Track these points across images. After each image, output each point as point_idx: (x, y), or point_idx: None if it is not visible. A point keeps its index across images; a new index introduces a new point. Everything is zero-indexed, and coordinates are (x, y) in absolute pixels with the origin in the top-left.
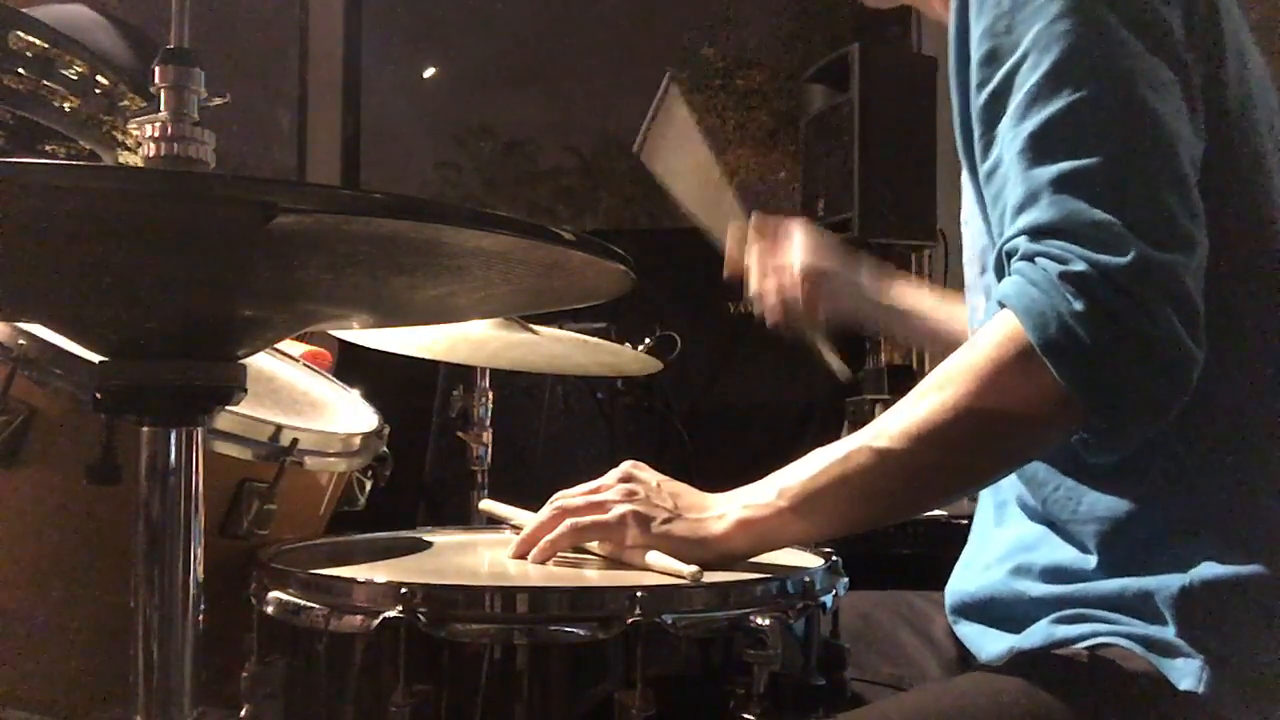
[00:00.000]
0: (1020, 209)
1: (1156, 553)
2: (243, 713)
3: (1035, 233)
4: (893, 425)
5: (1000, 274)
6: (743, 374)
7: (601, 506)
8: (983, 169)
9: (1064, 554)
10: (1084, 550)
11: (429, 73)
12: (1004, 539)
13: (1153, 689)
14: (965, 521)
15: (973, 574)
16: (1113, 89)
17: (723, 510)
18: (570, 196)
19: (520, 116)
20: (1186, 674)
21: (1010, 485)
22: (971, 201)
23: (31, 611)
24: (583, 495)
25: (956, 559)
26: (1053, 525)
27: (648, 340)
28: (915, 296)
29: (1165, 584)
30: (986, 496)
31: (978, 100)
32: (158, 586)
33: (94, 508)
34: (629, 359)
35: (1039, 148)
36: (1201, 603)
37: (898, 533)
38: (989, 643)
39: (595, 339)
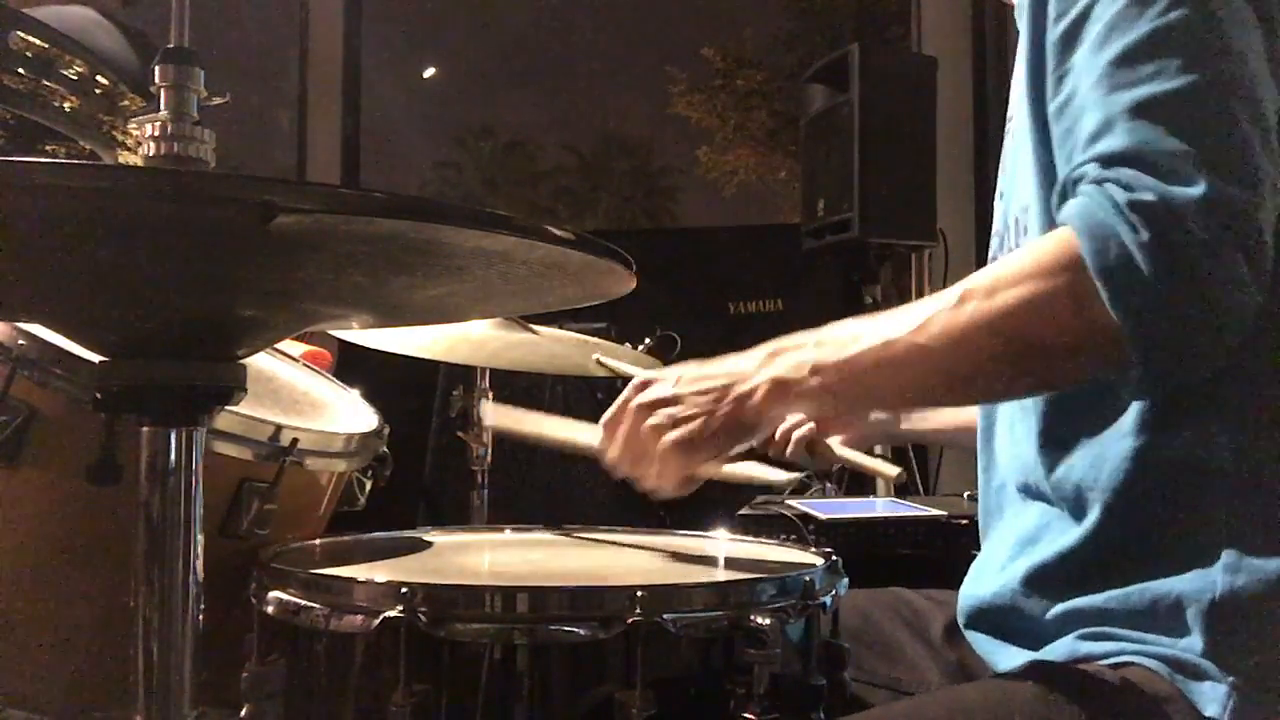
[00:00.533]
0: (1094, 137)
1: (1178, 542)
2: (243, 713)
3: (1106, 160)
4: (935, 324)
5: (1063, 203)
6: None
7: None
8: (1054, 104)
9: (1069, 539)
10: (1088, 529)
11: (429, 73)
12: (1009, 530)
13: (1175, 713)
14: (965, 521)
15: (987, 579)
16: (1198, 20)
17: (755, 383)
18: (570, 196)
19: (520, 116)
20: (1213, 699)
21: (1006, 465)
22: (1016, 171)
23: (31, 611)
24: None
25: (956, 559)
26: (1051, 503)
27: (648, 340)
28: (950, 412)
29: (1197, 593)
30: (984, 482)
31: (1054, 32)
32: (158, 586)
33: (94, 508)
34: (628, 359)
35: (1117, 75)
36: (1234, 617)
37: (898, 533)
38: (1005, 656)
39: (595, 339)
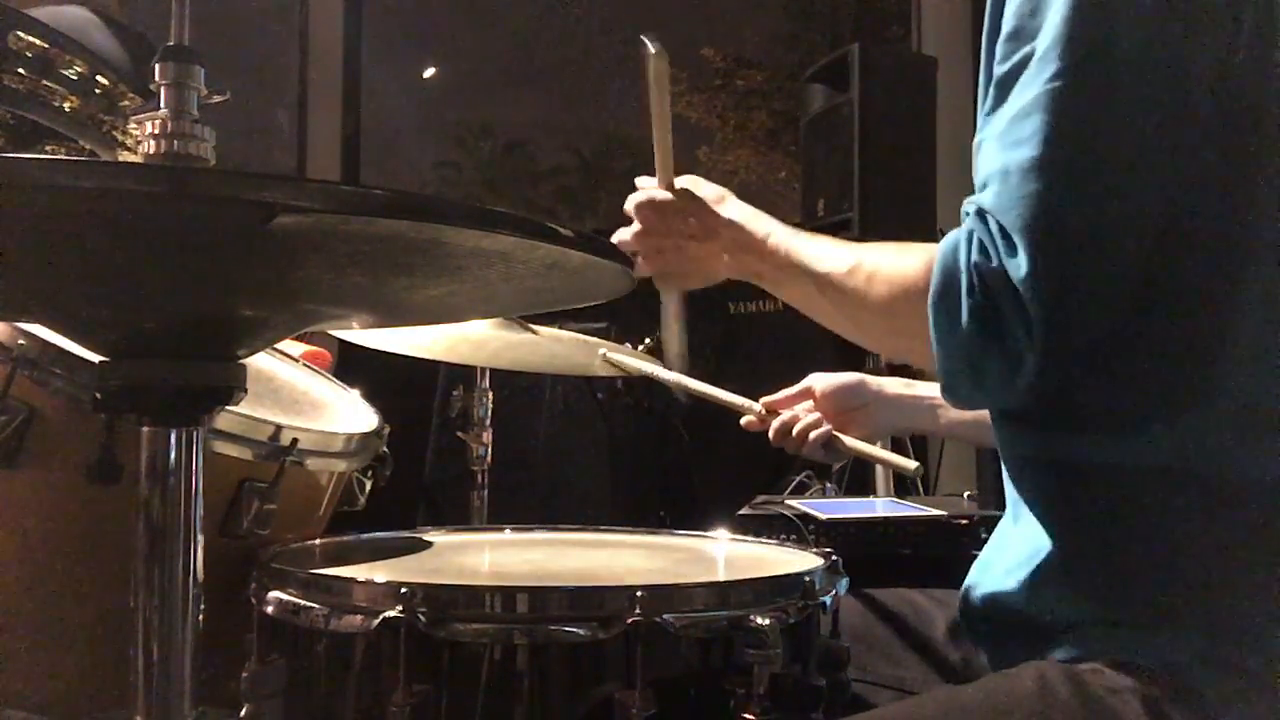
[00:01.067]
0: (981, 184)
1: (1189, 562)
2: (243, 713)
3: (978, 211)
4: (831, 277)
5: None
6: (743, 374)
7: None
8: (977, 137)
9: (1083, 561)
10: (1104, 556)
11: (429, 73)
12: (1022, 540)
13: (1176, 713)
14: (965, 521)
15: (991, 578)
16: (1073, 93)
17: (728, 213)
18: (570, 196)
19: (520, 116)
20: (1213, 700)
21: (1028, 483)
22: None
23: (32, 611)
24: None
25: (956, 559)
26: (1069, 524)
27: (648, 340)
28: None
29: (1197, 595)
30: (1008, 493)
31: (998, 70)
32: (158, 586)
33: (94, 508)
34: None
35: (1007, 131)
36: (1233, 619)
37: (898, 533)
38: (1005, 653)
39: (595, 339)
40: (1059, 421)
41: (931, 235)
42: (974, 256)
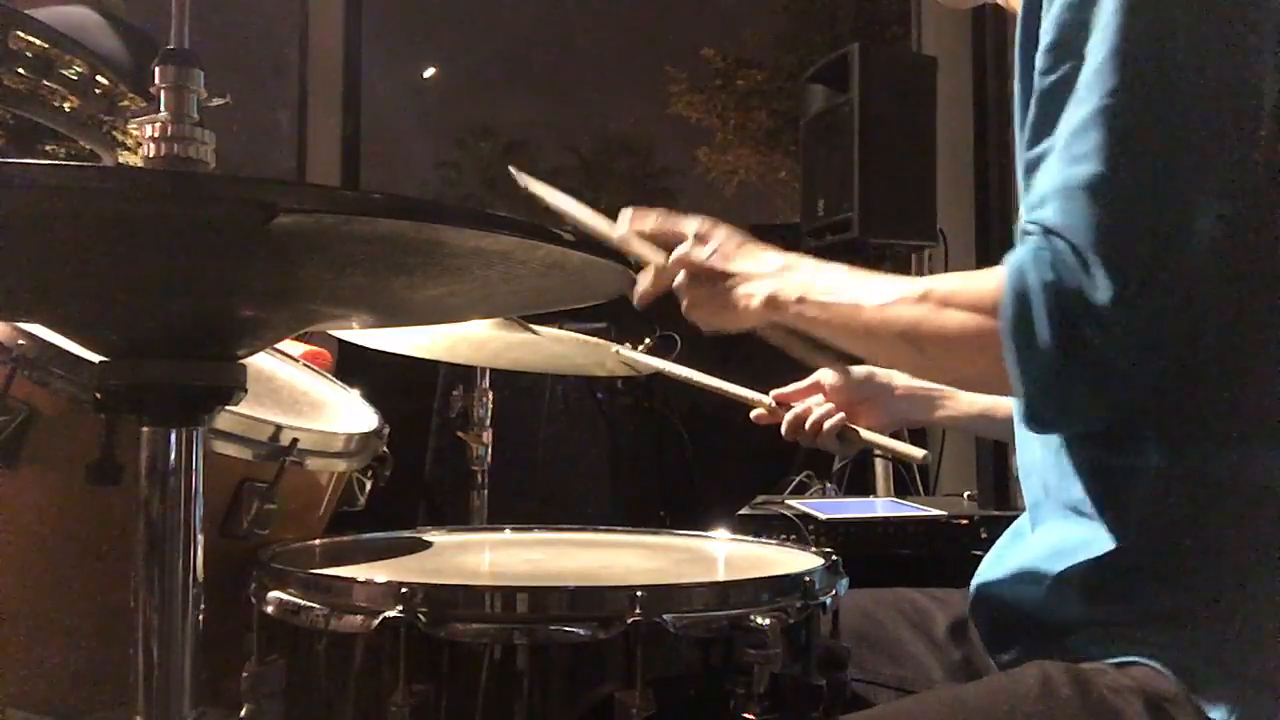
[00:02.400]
0: (1042, 200)
1: (1208, 567)
2: (243, 713)
3: (1045, 229)
4: (896, 310)
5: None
6: (743, 374)
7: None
8: (1030, 154)
9: (1102, 564)
10: (1102, 540)
11: (429, 73)
12: (1039, 541)
13: (1180, 715)
14: (965, 521)
15: (1002, 574)
16: (1137, 106)
17: (755, 290)
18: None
19: (520, 116)
20: (1218, 702)
21: (1053, 484)
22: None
23: (31, 611)
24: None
25: (956, 559)
26: (1095, 526)
27: (648, 340)
28: (968, 401)
29: (1205, 598)
30: (1031, 492)
31: (1041, 84)
32: (158, 586)
33: (94, 508)
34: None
35: (1069, 146)
36: (1241, 621)
37: (898, 533)
38: (1010, 649)
39: (595, 339)
40: (1128, 432)
41: (931, 235)
42: (1047, 277)
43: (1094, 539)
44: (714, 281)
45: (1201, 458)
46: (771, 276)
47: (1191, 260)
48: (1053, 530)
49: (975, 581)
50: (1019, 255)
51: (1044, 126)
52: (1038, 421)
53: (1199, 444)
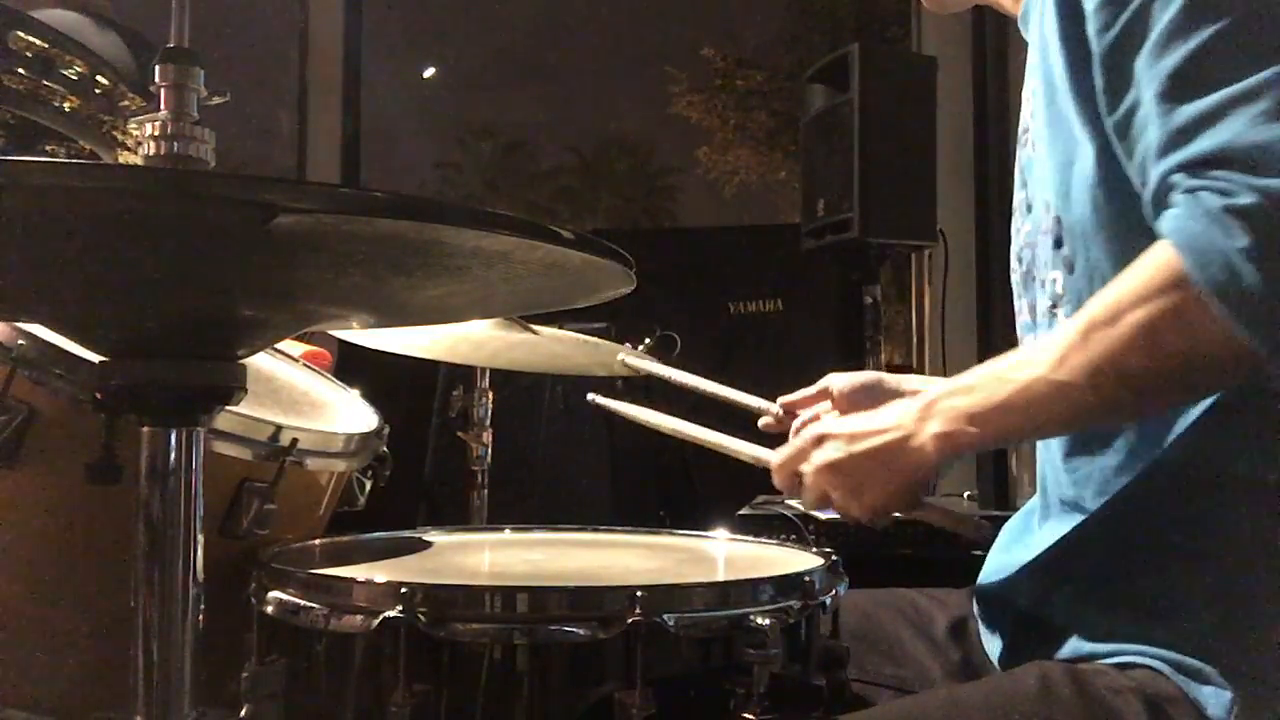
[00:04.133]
0: (1173, 145)
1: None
2: (243, 713)
3: (1193, 165)
4: (1070, 360)
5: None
6: (743, 374)
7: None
8: (1115, 118)
9: (1102, 563)
10: (1099, 534)
11: (429, 73)
12: (1040, 541)
13: (1179, 714)
14: None
15: (1006, 573)
16: (1256, 19)
17: (922, 441)
18: (570, 196)
19: (520, 116)
20: (1216, 701)
21: (1053, 484)
22: (1031, 181)
23: (31, 611)
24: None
25: (956, 559)
26: (1099, 525)
27: (648, 340)
28: None
29: (1203, 596)
30: (1047, 491)
31: (1101, 45)
32: (158, 586)
33: (94, 508)
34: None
35: (1184, 84)
36: (1239, 620)
37: (898, 532)
38: (1012, 649)
39: (595, 339)
40: (1128, 432)
41: (931, 235)
42: (1222, 204)
43: (1094, 538)
44: (858, 467)
45: (1203, 457)
46: (924, 419)
47: None
48: (1054, 530)
49: (981, 578)
50: (1173, 214)
51: (1121, 81)
52: None
53: (1199, 443)
